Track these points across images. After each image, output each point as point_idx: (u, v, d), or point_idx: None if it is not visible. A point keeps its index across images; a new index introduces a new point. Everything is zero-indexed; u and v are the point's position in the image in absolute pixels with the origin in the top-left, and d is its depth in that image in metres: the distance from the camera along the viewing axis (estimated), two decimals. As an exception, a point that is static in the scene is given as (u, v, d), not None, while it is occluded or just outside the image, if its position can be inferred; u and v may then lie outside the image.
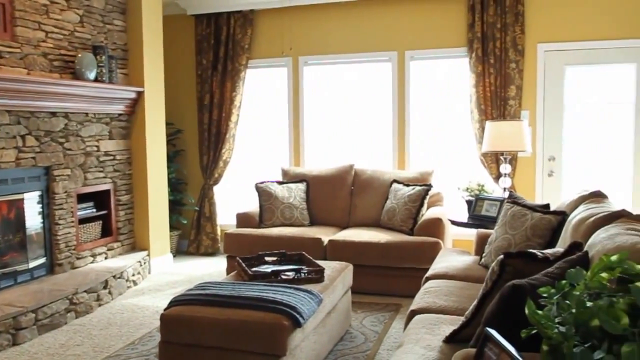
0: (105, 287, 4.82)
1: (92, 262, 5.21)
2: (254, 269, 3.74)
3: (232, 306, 3.09)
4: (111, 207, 5.50)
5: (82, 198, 5.18)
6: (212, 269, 6.01)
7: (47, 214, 4.77)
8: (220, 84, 6.56)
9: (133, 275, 5.33)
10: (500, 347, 1.53)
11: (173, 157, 6.76)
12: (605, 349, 1.34)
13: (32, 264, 4.62)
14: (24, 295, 4.20)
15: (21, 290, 4.33)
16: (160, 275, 5.74)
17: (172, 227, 6.56)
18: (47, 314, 4.13)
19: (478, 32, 5.68)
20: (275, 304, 3.02)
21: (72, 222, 4.97)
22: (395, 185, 5.47)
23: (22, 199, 4.53)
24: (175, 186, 6.78)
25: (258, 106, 6.74)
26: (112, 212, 5.51)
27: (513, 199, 3.87)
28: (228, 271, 5.44)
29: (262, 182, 5.76)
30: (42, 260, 4.72)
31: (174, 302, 3.25)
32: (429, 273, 3.75)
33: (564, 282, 1.60)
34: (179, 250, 6.81)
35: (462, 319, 2.49)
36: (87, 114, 5.15)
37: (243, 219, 5.63)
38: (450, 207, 5.64)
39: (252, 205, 5.87)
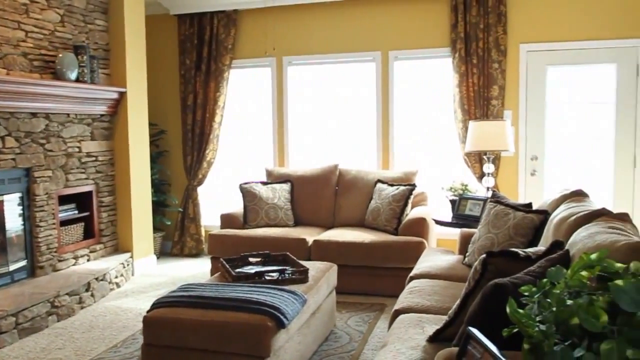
0: (87, 290, 4.77)
1: (74, 265, 5.15)
2: (238, 270, 3.73)
3: (216, 308, 3.07)
4: (93, 209, 5.44)
5: (63, 200, 5.12)
6: (196, 271, 5.97)
7: (28, 216, 4.70)
8: (204, 84, 6.52)
9: (116, 277, 5.28)
10: (482, 346, 1.53)
11: (156, 157, 6.71)
12: (585, 346, 1.35)
13: (12, 267, 4.55)
14: (4, 298, 4.14)
15: (1, 293, 4.27)
16: (144, 277, 5.70)
17: (156, 229, 6.51)
18: (28, 317, 4.07)
19: (461, 32, 5.71)
20: (259, 305, 3.00)
21: (54, 224, 4.91)
22: (379, 185, 5.48)
23: (2, 201, 4.47)
24: (159, 187, 6.73)
25: (242, 106, 6.72)
26: (94, 213, 5.45)
27: (496, 199, 3.89)
28: (212, 272, 5.41)
29: (246, 183, 5.74)
30: (22, 263, 4.66)
31: (157, 304, 3.22)
32: (413, 272, 3.76)
33: (545, 280, 1.61)
34: (163, 252, 6.76)
35: (445, 318, 2.49)
36: (68, 114, 5.09)
37: (227, 220, 5.60)
38: (434, 207, 5.67)
39: (236, 206, 5.85)
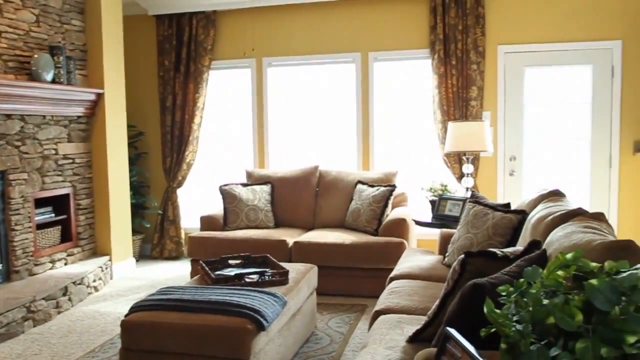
0: (64, 294, 4.70)
1: (51, 269, 5.07)
2: (218, 272, 3.70)
3: (195, 311, 3.04)
4: (71, 212, 5.36)
5: (40, 203, 5.04)
6: (176, 273, 5.92)
7: (3, 220, 4.62)
8: (183, 85, 6.47)
9: (94, 281, 5.21)
10: (460, 347, 1.53)
11: (135, 159, 6.64)
12: (560, 345, 1.36)
13: (-13, 272, 4.47)
14: (-21, 304, 4.06)
15: (-25, 298, 4.19)
16: (123, 281, 5.63)
17: (135, 231, 6.44)
18: (3, 323, 4.00)
19: (440, 34, 5.75)
20: (239, 308, 2.98)
21: (30, 227, 4.83)
22: (359, 186, 5.49)
23: (-24, 205, 4.39)
24: (138, 189, 6.66)
25: (222, 108, 6.68)
26: (71, 216, 5.37)
27: (475, 199, 3.92)
28: (192, 275, 5.37)
29: (226, 185, 5.71)
30: (-3, 268, 4.58)
31: (135, 308, 3.19)
32: (393, 273, 3.77)
33: (522, 280, 1.62)
34: (142, 255, 6.69)
35: (425, 318, 2.50)
36: (44, 116, 5.02)
37: (207, 222, 5.56)
38: (414, 207, 5.69)
39: (216, 208, 5.81)
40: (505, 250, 2.46)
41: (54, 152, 5.14)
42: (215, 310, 3.00)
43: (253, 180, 5.94)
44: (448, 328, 1.65)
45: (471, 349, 1.47)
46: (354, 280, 4.95)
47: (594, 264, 1.50)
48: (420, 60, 6.00)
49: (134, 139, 6.66)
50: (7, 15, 4.62)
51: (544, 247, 2.47)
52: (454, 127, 5.14)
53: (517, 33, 5.73)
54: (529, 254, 2.37)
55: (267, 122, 6.47)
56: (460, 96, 5.76)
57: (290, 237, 5.21)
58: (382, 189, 5.28)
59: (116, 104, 5.75)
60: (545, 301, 1.43)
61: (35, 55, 4.79)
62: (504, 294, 1.66)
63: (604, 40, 5.53)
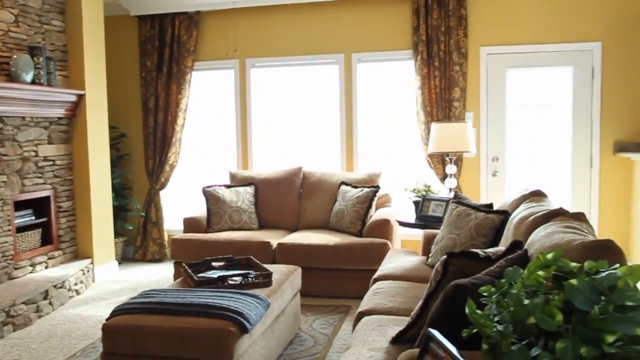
0: (45, 298, 4.64)
1: (31, 272, 5.00)
2: (200, 274, 3.67)
3: (177, 314, 3.02)
4: (51, 215, 5.29)
5: (19, 205, 4.96)
6: (159, 276, 5.87)
7: (-18, 223, 4.55)
8: (166, 86, 6.42)
9: (75, 284, 5.15)
10: (442, 347, 1.53)
11: (117, 161, 6.58)
12: (541, 345, 1.37)
13: (-35, 276, 4.40)
14: (-44, 308, 3.99)
15: (-47, 303, 4.11)
16: (105, 284, 5.57)
17: (117, 234, 6.37)
18: (-18, 327, 3.93)
19: (423, 35, 5.77)
20: (222, 310, 2.97)
21: (9, 230, 4.75)
22: (343, 187, 5.49)
23: (-46, 208, 4.31)
24: (120, 191, 6.60)
25: (205, 109, 6.65)
26: (52, 219, 5.30)
27: (458, 199, 3.94)
28: (175, 277, 5.33)
29: (209, 186, 5.68)
30: (-24, 272, 4.50)
31: (117, 312, 3.16)
32: (377, 274, 3.77)
33: (503, 281, 1.63)
34: (125, 257, 6.62)
35: (408, 319, 2.50)
36: (24, 117, 4.95)
37: (190, 224, 5.53)
38: (398, 208, 5.70)
39: (199, 209, 5.77)
40: (487, 250, 2.47)
41: (34, 154, 5.07)
42: (197, 313, 2.98)
43: (237, 181, 5.92)
44: (430, 329, 1.65)
45: (453, 349, 1.47)
46: (338, 281, 4.94)
47: (573, 264, 1.51)
48: (403, 61, 6.02)
49: (116, 140, 6.60)
50: (-15, 15, 4.56)
51: (525, 247, 2.48)
52: (437, 128, 5.16)
53: (499, 35, 5.77)
54: (510, 254, 2.39)
55: (251, 123, 6.45)
56: (443, 97, 5.78)
57: (274, 238, 5.19)
58: (366, 190, 5.28)
59: (97, 106, 5.69)
60: (526, 301, 1.44)
61: (15, 56, 4.72)
62: (485, 294, 1.67)
63: (584, 42, 5.59)
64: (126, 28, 6.61)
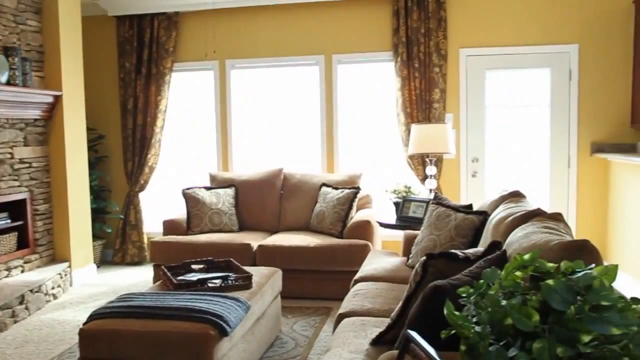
0: (21, 303, 4.55)
1: (6, 276, 4.90)
2: (180, 277, 3.64)
3: (156, 317, 2.99)
4: (27, 218, 5.20)
5: (-6, 208, 4.88)
6: (138, 279, 5.81)
7: (-45, 227, 4.46)
8: (145, 87, 6.36)
9: (53, 288, 5.07)
10: (420, 349, 1.53)
11: (95, 163, 6.49)
12: (518, 346, 1.37)
13: (-62, 281, 4.30)
14: None
15: None
16: (83, 288, 5.49)
17: (96, 237, 6.29)
18: (-45, 333, 3.85)
19: (403, 36, 5.79)
20: (201, 314, 2.94)
21: (-16, 234, 4.67)
22: (324, 188, 5.49)
23: None
24: (98, 194, 6.51)
25: (185, 110, 6.59)
26: (28, 222, 5.21)
27: (438, 200, 3.96)
28: (155, 280, 5.27)
29: (189, 188, 5.63)
30: (-51, 276, 4.41)
31: (94, 316, 3.11)
32: (358, 275, 3.77)
33: (481, 281, 1.63)
34: (104, 261, 6.54)
35: (388, 320, 2.50)
36: (-2, 119, 4.86)
37: (170, 226, 5.47)
38: (378, 209, 5.71)
39: (179, 212, 5.72)
40: (466, 251, 2.49)
41: (9, 156, 4.98)
42: (176, 317, 2.95)
43: (217, 183, 5.88)
44: (409, 330, 1.65)
45: (431, 351, 1.47)
46: (319, 282, 4.93)
47: (550, 265, 1.52)
48: (383, 62, 6.04)
49: (94, 142, 6.51)
50: (-41, 14, 4.47)
51: (504, 247, 2.50)
52: (417, 129, 5.18)
53: (478, 36, 5.81)
54: (489, 255, 2.40)
55: (231, 124, 6.41)
56: (423, 98, 5.81)
57: (255, 240, 5.17)
58: (347, 191, 5.28)
59: (75, 107, 5.61)
60: (504, 302, 1.44)
61: (-11, 57, 4.64)
62: (464, 295, 1.67)
63: (561, 44, 5.66)
64: (104, 28, 6.54)
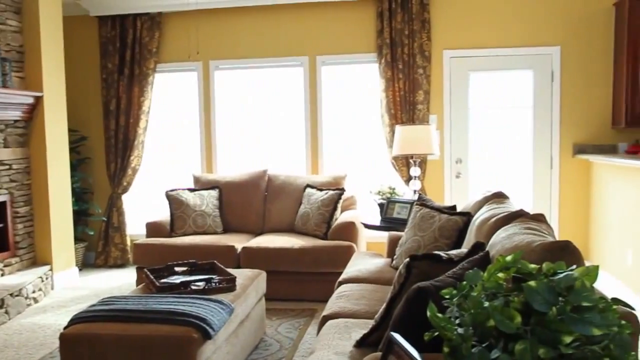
0: (1, 307, 4.49)
1: (-14, 280, 4.84)
2: (163, 280, 3.60)
3: (138, 321, 2.95)
4: (8, 220, 5.12)
5: (-27, 211, 4.80)
6: (121, 282, 5.75)
7: None
8: (127, 88, 6.30)
9: (33, 292, 5.00)
10: (403, 351, 1.53)
11: (77, 165, 6.42)
12: (501, 347, 1.37)
13: None
14: None
15: None
16: (65, 291, 5.43)
17: (78, 239, 6.22)
18: None
19: (387, 38, 5.80)
20: (184, 317, 2.91)
21: (-38, 237, 4.59)
22: (308, 190, 5.47)
23: None
24: (80, 196, 6.44)
25: (168, 112, 6.55)
26: (8, 225, 5.14)
27: (422, 202, 3.96)
28: (138, 283, 5.22)
29: (172, 190, 5.59)
30: None
31: (75, 320, 3.07)
32: (342, 277, 3.77)
33: (464, 283, 1.63)
34: (86, 263, 6.47)
35: (373, 322, 2.50)
36: (-22, 120, 4.79)
37: (153, 229, 5.43)
38: (363, 211, 5.71)
39: (163, 214, 5.67)
40: (450, 252, 2.49)
41: (-12, 158, 4.91)
42: (159, 320, 2.92)
43: (200, 185, 5.84)
44: (392, 333, 1.64)
45: (414, 353, 1.46)
46: (303, 284, 4.92)
47: (532, 266, 1.52)
48: (367, 64, 6.05)
49: (76, 144, 6.44)
50: (-64, 14, 4.39)
51: (487, 248, 2.50)
52: (401, 130, 5.19)
53: (462, 38, 5.85)
54: (473, 256, 2.41)
55: (215, 126, 6.38)
56: (407, 100, 5.83)
57: (239, 242, 5.14)
58: (331, 192, 5.28)
59: (56, 108, 5.54)
60: (486, 304, 1.44)
61: (-33, 57, 4.56)
62: (447, 297, 1.67)
63: (543, 46, 5.71)
64: (86, 29, 6.47)
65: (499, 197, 3.46)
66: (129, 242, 6.43)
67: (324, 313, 3.06)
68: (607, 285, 4.89)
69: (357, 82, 6.15)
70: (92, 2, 6.19)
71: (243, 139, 6.41)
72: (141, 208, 6.56)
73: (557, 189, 5.78)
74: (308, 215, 5.27)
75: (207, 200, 5.56)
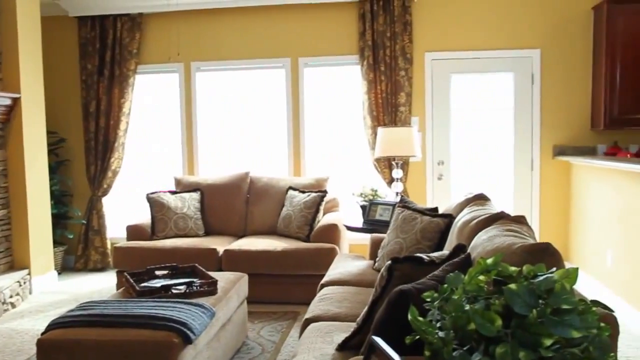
0: (-23, 312, 4.40)
1: (-38, 285, 4.74)
2: (143, 284, 3.56)
3: (117, 326, 2.91)
4: (-16, 224, 5.04)
5: (-52, 215, 4.71)
6: (101, 286, 5.68)
7: None
8: (108, 90, 6.23)
9: (11, 296, 4.91)
10: (384, 355, 1.52)
11: (56, 167, 6.33)
12: (482, 351, 1.37)
13: None
14: None
15: None
16: (43, 295, 5.34)
17: (57, 243, 6.13)
18: None
19: (369, 40, 5.81)
20: (164, 321, 2.88)
21: (-63, 241, 4.50)
22: (291, 192, 5.46)
23: None
24: (59, 199, 6.35)
25: (149, 113, 6.48)
26: (-15, 229, 5.05)
27: (404, 204, 3.97)
28: (118, 287, 5.16)
29: (153, 192, 5.53)
30: None
31: (53, 325, 3.02)
32: (324, 280, 3.76)
33: (445, 286, 1.63)
34: (65, 267, 6.38)
35: (354, 325, 2.49)
36: (-47, 122, 4.70)
37: (134, 232, 5.37)
38: (345, 213, 5.70)
39: (144, 216, 5.61)
40: (431, 255, 2.49)
41: (-36, 160, 4.82)
42: (138, 325, 2.88)
43: (182, 187, 5.79)
44: (374, 336, 1.63)
45: (395, 357, 1.45)
46: (286, 287, 4.90)
47: (513, 269, 1.52)
48: (350, 66, 6.05)
49: (55, 145, 6.35)
50: None
51: (468, 250, 2.51)
52: (383, 132, 5.20)
53: (443, 41, 5.87)
54: (454, 258, 2.41)
55: (197, 128, 6.33)
56: (390, 102, 5.84)
57: (221, 245, 5.11)
58: (314, 194, 5.27)
59: (34, 109, 5.46)
60: (467, 307, 1.44)
61: (-58, 57, 4.47)
62: (428, 299, 1.67)
63: (524, 48, 5.76)
64: (65, 29, 6.38)
65: (480, 199, 3.47)
66: (109, 246, 6.36)
67: (306, 316, 3.04)
68: (587, 286, 4.94)
69: (340, 84, 6.15)
70: (72, 3, 6.11)
71: (225, 141, 6.37)
72: (122, 211, 6.49)
73: (537, 190, 5.84)
74: (290, 218, 5.25)
75: (189, 203, 5.52)
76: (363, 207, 5.22)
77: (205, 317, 3.08)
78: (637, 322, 4.07)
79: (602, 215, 4.84)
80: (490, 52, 5.81)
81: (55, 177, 6.20)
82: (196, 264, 3.91)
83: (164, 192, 5.58)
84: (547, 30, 5.73)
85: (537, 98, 5.78)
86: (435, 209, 3.85)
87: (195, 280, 3.58)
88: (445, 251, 2.83)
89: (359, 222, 5.19)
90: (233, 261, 4.88)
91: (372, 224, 4.98)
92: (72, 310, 3.16)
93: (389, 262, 2.33)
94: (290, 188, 5.51)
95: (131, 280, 3.54)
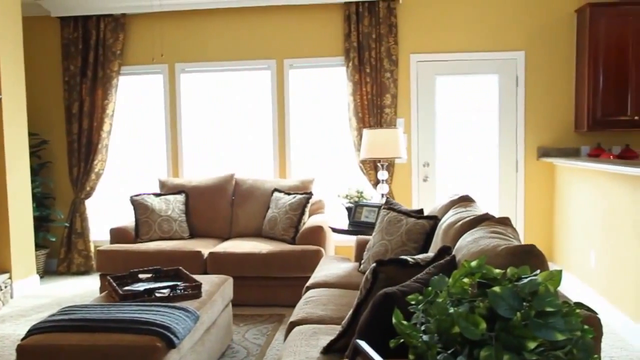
0: (-44, 317, 4.33)
1: (-59, 290, 4.66)
2: (126, 288, 3.52)
3: (100, 330, 2.87)
4: (-36, 227, 4.95)
5: None
6: (84, 290, 5.61)
7: None
8: (91, 91, 6.16)
9: (-9, 301, 4.84)
10: (368, 359, 1.51)
11: (38, 169, 6.25)
12: (466, 354, 1.36)
13: None
14: None
15: None
16: (24, 300, 5.26)
17: (39, 246, 6.05)
18: None
19: (354, 41, 5.80)
20: (147, 325, 2.84)
21: None
22: (276, 194, 5.43)
23: None
24: (42, 201, 6.27)
25: (133, 115, 6.42)
26: (-35, 232, 4.97)
27: (389, 205, 3.96)
28: (102, 291, 5.09)
29: (137, 195, 5.48)
30: None
31: (33, 330, 2.97)
32: (310, 282, 3.74)
33: (429, 289, 1.62)
34: (48, 271, 6.29)
35: (339, 328, 2.48)
36: None
37: (117, 234, 5.31)
38: (331, 215, 5.69)
39: (127, 219, 5.55)
40: (416, 257, 2.48)
41: (-57, 162, 4.73)
42: (121, 329, 2.84)
43: (166, 189, 5.75)
44: (357, 340, 1.62)
45: (379, 361, 1.44)
46: (271, 289, 4.87)
47: (497, 271, 1.52)
48: (335, 67, 6.04)
49: (37, 147, 6.26)
50: None
51: (453, 252, 2.51)
52: (368, 134, 5.19)
53: (429, 42, 5.89)
54: (439, 260, 2.41)
55: (181, 129, 6.29)
56: (375, 103, 5.84)
57: (206, 247, 5.07)
58: (299, 196, 5.25)
59: (16, 111, 5.38)
60: (451, 310, 1.43)
61: None
62: (413, 302, 1.66)
63: (508, 51, 5.79)
64: (47, 30, 6.31)
65: (465, 200, 3.48)
66: (92, 249, 6.28)
67: (291, 319, 3.02)
68: (570, 287, 4.97)
69: (325, 86, 6.14)
70: (54, 3, 6.04)
71: (210, 142, 6.33)
72: (105, 213, 6.42)
73: (522, 192, 5.87)
74: (276, 220, 5.22)
75: (173, 205, 5.47)
76: (348, 209, 5.21)
77: (189, 321, 3.05)
78: (619, 322, 4.10)
79: (586, 216, 4.88)
80: (475, 54, 5.83)
81: (38, 180, 6.12)
82: (180, 267, 3.87)
83: (148, 194, 5.53)
84: (531, 32, 5.77)
85: (521, 100, 5.81)
86: (421, 211, 3.85)
87: (179, 283, 3.55)
88: (431, 253, 2.83)
89: (344, 224, 5.18)
90: (218, 264, 4.84)
91: (357, 226, 4.97)
92: (53, 315, 3.11)
93: (374, 264, 2.32)
94: (276, 190, 5.49)
95: (114, 284, 3.49)
